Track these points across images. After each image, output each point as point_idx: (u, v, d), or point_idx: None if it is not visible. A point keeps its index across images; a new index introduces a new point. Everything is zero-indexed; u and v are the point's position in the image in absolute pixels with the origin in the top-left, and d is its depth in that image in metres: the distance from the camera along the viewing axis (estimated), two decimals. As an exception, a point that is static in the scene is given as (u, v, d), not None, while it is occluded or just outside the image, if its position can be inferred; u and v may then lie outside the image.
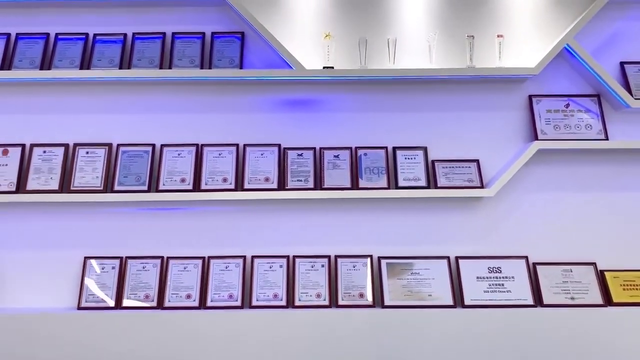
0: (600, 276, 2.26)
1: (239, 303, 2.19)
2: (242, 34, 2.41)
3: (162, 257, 2.27)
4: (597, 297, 2.21)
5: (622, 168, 2.35)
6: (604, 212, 2.33)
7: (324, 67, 2.32)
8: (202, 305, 2.19)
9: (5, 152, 2.33)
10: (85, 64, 2.35)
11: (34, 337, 2.11)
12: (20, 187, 2.28)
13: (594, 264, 2.27)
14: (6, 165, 2.31)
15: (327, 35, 2.36)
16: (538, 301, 2.20)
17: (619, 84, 2.32)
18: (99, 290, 2.23)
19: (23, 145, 2.34)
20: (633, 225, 2.32)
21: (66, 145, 2.34)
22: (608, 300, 2.21)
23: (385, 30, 2.44)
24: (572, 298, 2.22)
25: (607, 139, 2.32)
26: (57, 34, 2.40)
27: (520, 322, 2.12)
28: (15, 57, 2.35)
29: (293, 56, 2.31)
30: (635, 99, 2.30)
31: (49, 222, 2.31)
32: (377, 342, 2.10)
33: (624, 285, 2.25)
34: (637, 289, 2.24)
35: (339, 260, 2.27)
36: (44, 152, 2.33)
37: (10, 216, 2.32)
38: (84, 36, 2.40)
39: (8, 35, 2.40)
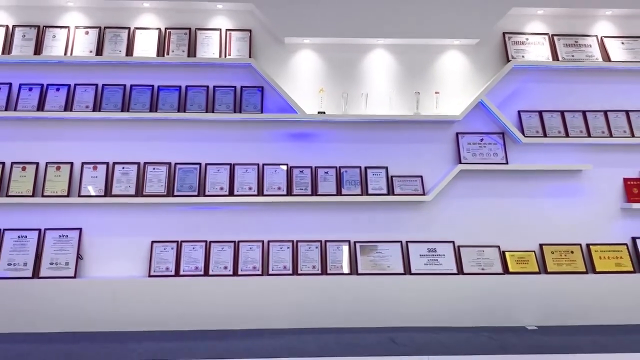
0: (502, 255, 3.37)
1: (260, 272, 3.22)
2: (262, 87, 3.44)
3: (206, 241, 3.28)
4: (499, 268, 3.31)
5: (517, 183, 3.46)
6: (505, 212, 3.43)
7: (318, 112, 3.37)
8: (235, 273, 3.21)
9: (95, 168, 3.32)
10: (152, 107, 3.36)
11: (118, 296, 3.09)
12: (107, 192, 3.27)
13: (498, 246, 3.37)
14: (96, 177, 3.30)
15: (321, 90, 3.43)
16: (460, 271, 3.29)
17: (515, 126, 3.46)
18: (162, 263, 3.24)
19: (107, 163, 3.33)
20: (523, 221, 3.42)
21: (138, 164, 3.34)
22: (506, 270, 3.32)
23: (361, 87, 3.52)
24: (483, 269, 3.32)
25: (507, 163, 3.43)
26: (131, 85, 3.41)
27: (448, 285, 3.20)
28: (103, 101, 3.35)
29: (297, 104, 3.36)
30: (526, 136, 3.43)
31: (127, 217, 3.30)
32: (352, 297, 3.14)
33: (517, 260, 3.35)
34: (525, 263, 3.35)
35: (328, 243, 3.32)
36: (123, 168, 3.33)
37: (100, 213, 3.30)
38: (150, 87, 3.41)
39: (96, 85, 3.40)
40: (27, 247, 3.20)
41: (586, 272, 3.32)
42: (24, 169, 3.28)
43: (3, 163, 3.29)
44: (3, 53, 3.34)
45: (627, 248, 3.40)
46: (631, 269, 3.34)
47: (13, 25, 3.42)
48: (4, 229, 3.22)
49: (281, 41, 3.50)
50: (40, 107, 3.31)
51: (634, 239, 3.44)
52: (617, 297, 3.22)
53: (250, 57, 3.44)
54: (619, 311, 3.21)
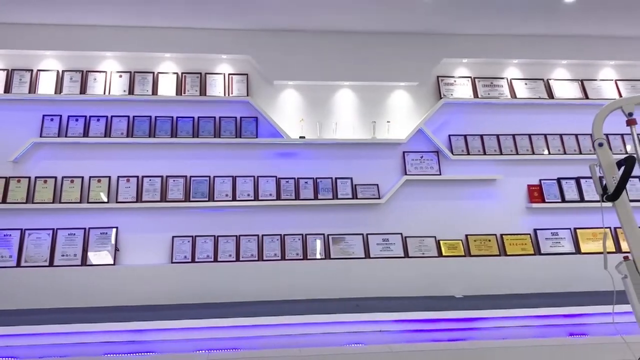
0: (437, 243, 4.50)
1: (256, 258, 4.25)
2: (257, 118, 4.50)
3: (214, 236, 4.29)
4: (435, 253, 4.43)
5: (448, 189, 4.60)
6: (439, 211, 4.56)
7: (299, 137, 4.45)
8: (237, 259, 4.23)
9: (128, 180, 4.30)
10: (173, 134, 4.38)
11: (147, 279, 4.05)
12: (138, 199, 4.25)
13: (434, 237, 4.50)
14: (129, 187, 4.28)
15: (301, 120, 4.52)
16: (406, 255, 4.39)
17: (446, 146, 4.62)
18: (181, 253, 4.23)
19: (138, 176, 4.32)
20: (453, 217, 4.56)
21: (162, 176, 4.34)
22: (440, 254, 4.44)
23: (331, 117, 4.61)
24: (423, 253, 4.43)
25: (440, 174, 4.58)
26: (156, 117, 4.42)
27: (397, 265, 4.29)
28: (134, 129, 4.34)
29: (283, 130, 4.43)
30: (454, 154, 4.59)
31: (154, 218, 4.28)
32: (327, 276, 4.20)
33: (448, 247, 4.48)
34: (455, 249, 4.48)
35: (307, 236, 4.38)
36: (150, 180, 4.32)
37: (132, 215, 4.26)
38: (171, 118, 4.43)
39: (128, 117, 4.39)
40: (75, 242, 4.14)
41: (500, 255, 4.46)
42: (72, 181, 4.23)
43: (56, 177, 4.23)
44: (55, 92, 4.31)
45: (530, 237, 4.58)
46: (532, 252, 4.51)
47: (62, 70, 4.39)
48: (57, 229, 4.16)
49: (271, 83, 4.58)
50: (85, 134, 4.28)
51: (535, 230, 4.62)
52: (522, 273, 4.36)
53: (247, 95, 4.49)
54: (523, 283, 4.35)
